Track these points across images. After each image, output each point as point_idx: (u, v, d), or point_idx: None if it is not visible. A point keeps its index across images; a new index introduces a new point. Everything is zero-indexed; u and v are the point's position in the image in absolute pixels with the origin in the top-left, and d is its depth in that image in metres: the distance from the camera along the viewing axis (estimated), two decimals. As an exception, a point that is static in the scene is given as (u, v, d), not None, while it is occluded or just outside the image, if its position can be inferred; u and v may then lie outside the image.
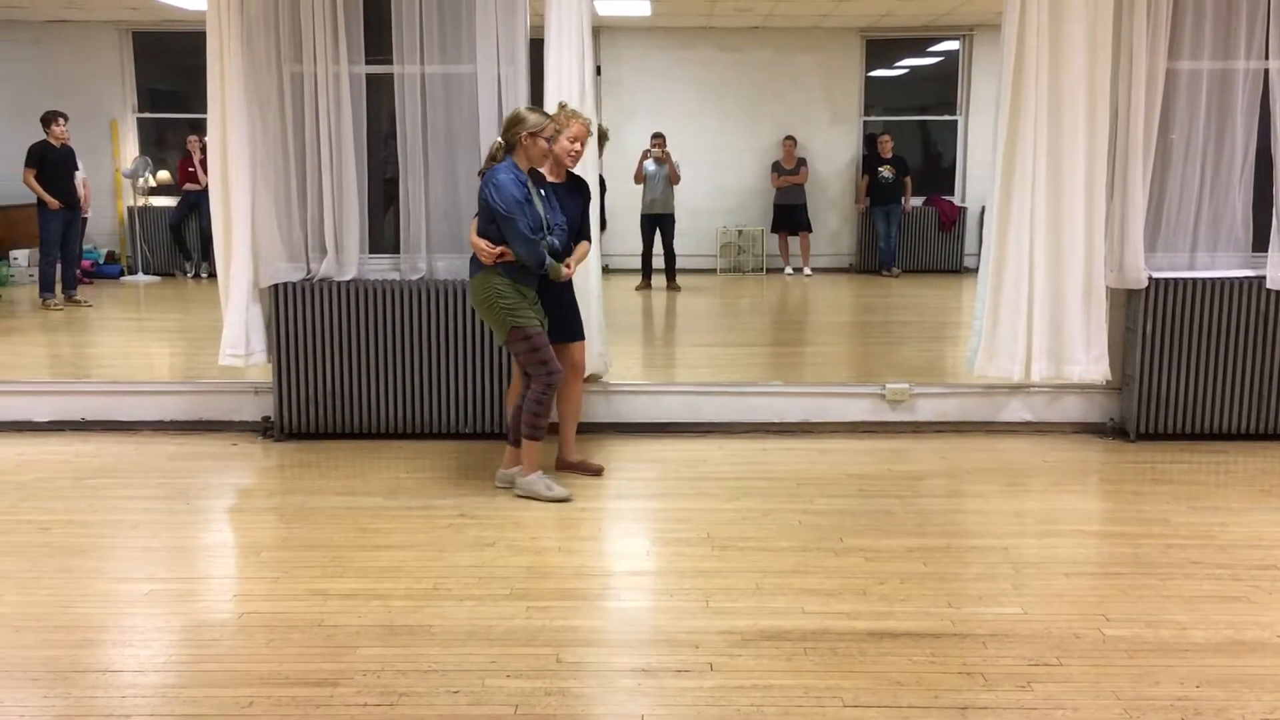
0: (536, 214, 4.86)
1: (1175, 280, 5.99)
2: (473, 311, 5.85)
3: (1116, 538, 4.64)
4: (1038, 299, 5.92)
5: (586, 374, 6.01)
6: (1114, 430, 6.20)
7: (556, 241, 4.95)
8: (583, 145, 5.15)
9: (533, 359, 4.94)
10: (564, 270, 5.04)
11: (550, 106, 5.59)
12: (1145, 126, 5.82)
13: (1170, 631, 3.66)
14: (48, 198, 10.68)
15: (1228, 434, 6.07)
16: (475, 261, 4.97)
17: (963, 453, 5.90)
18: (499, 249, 4.83)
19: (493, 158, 4.93)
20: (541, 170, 5.06)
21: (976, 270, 6.39)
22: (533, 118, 4.87)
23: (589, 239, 5.40)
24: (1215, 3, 5.90)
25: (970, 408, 6.31)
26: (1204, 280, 5.99)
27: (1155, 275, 5.99)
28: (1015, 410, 6.29)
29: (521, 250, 4.80)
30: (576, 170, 5.35)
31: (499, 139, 4.95)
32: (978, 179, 14.12)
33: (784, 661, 3.44)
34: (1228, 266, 6.13)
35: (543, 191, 4.98)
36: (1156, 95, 5.84)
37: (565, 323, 5.29)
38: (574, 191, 5.27)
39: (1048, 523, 4.88)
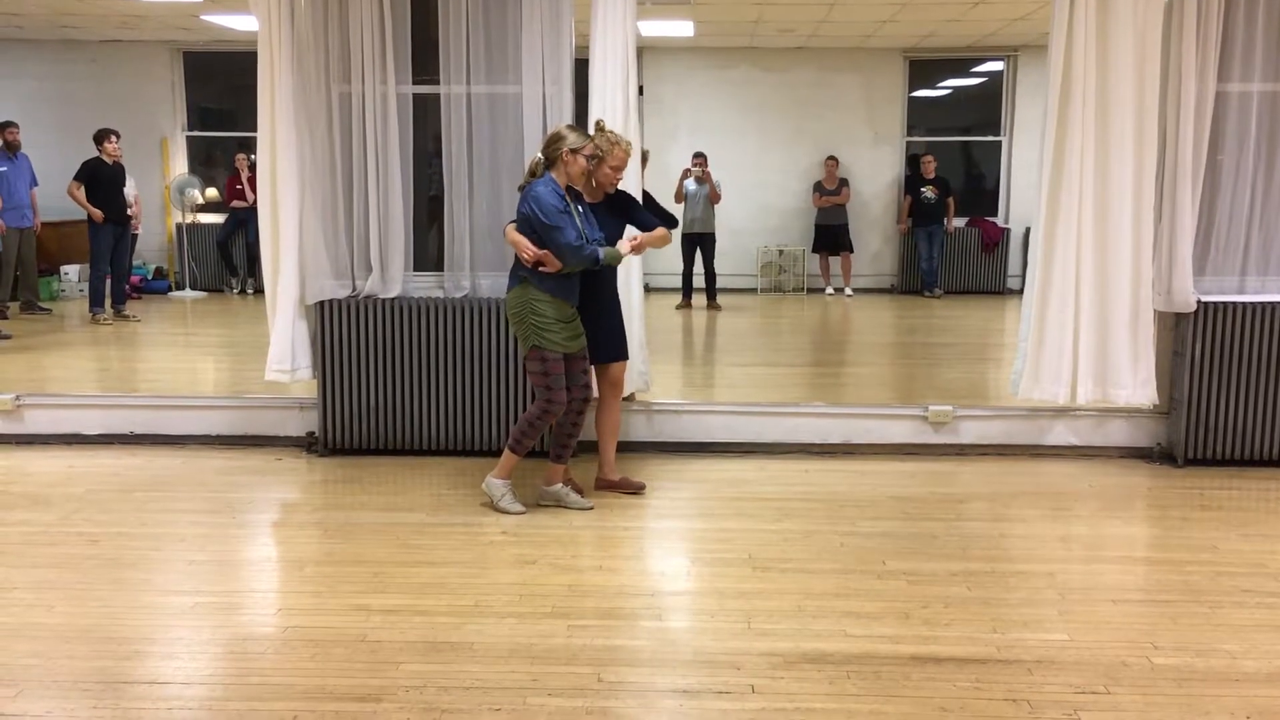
0: (576, 225, 4.89)
1: (1224, 304, 5.92)
2: (516, 329, 5.89)
3: (1164, 564, 4.58)
4: (1084, 321, 5.87)
5: (628, 393, 6.03)
6: (1161, 455, 6.12)
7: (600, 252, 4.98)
8: (623, 170, 5.20)
9: (541, 381, 4.98)
10: (624, 249, 5.06)
11: (593, 126, 5.62)
12: (1194, 148, 5.77)
13: (1220, 661, 3.61)
14: (92, 210, 10.82)
15: (1278, 460, 5.98)
16: (515, 275, 5.00)
17: (1007, 476, 5.85)
18: (540, 251, 4.83)
19: (532, 173, 4.98)
20: (579, 189, 5.10)
21: (1019, 292, 6.34)
22: (573, 136, 4.92)
23: (669, 225, 5.32)
24: (1266, 25, 5.84)
25: (1014, 431, 6.25)
26: (1254, 304, 5.91)
27: (1204, 299, 5.92)
28: (1060, 434, 6.22)
29: (570, 257, 4.82)
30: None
31: (539, 155, 5.00)
32: (1021, 200, 14.03)
33: (826, 685, 3.42)
34: (1278, 290, 6.05)
35: (580, 208, 5.01)
36: (1206, 117, 5.78)
37: (606, 343, 5.30)
38: (613, 207, 5.26)
39: (1094, 548, 4.82)
